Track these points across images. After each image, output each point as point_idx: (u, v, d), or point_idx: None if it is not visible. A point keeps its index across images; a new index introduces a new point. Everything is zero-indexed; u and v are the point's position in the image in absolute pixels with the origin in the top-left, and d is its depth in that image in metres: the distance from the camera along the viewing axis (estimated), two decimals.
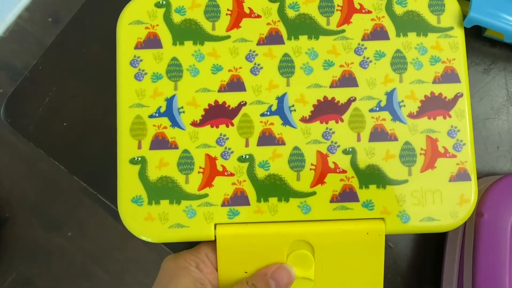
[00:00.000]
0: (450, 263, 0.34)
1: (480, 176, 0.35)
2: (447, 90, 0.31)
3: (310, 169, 0.30)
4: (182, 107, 0.31)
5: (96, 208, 0.98)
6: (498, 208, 0.30)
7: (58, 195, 0.96)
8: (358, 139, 0.31)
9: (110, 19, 0.36)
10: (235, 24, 0.31)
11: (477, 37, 0.37)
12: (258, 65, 0.31)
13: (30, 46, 0.98)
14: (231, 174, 0.30)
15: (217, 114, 0.31)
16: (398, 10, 0.32)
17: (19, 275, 0.96)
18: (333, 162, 0.30)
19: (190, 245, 0.32)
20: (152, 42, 0.31)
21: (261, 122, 0.31)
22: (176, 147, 0.31)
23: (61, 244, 1.01)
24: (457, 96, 0.31)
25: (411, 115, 0.31)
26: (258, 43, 0.31)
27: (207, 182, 0.30)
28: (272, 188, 0.30)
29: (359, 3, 0.32)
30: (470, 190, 0.30)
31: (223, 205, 0.30)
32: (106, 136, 0.37)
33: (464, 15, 0.32)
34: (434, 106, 0.31)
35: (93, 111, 0.38)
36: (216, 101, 0.31)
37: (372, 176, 0.30)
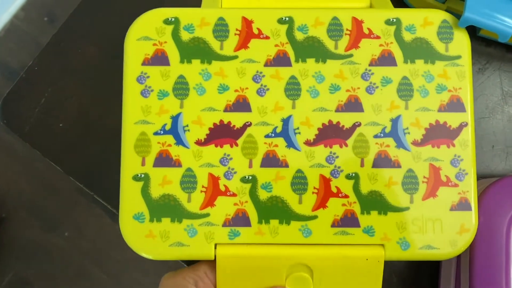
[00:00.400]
0: (447, 265, 0.34)
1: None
2: (452, 119, 0.31)
3: (313, 192, 0.30)
4: (187, 126, 0.31)
5: (93, 208, 0.98)
6: (494, 211, 0.31)
7: (55, 195, 0.96)
8: (362, 165, 0.31)
9: (106, 20, 0.36)
10: (243, 44, 0.31)
11: (472, 37, 0.37)
12: (265, 86, 0.31)
13: (26, 45, 0.98)
14: (234, 195, 0.30)
15: (222, 133, 0.31)
16: (407, 36, 0.32)
17: (16, 275, 0.96)
18: (336, 187, 0.30)
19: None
20: (159, 59, 0.31)
21: (265, 143, 0.31)
22: (179, 165, 0.31)
23: (58, 244, 1.00)
24: (462, 126, 0.31)
25: (415, 143, 0.31)
26: (266, 65, 0.31)
27: (209, 202, 0.30)
28: (274, 210, 0.30)
29: (368, 28, 0.32)
30: (470, 220, 0.30)
31: (224, 225, 0.30)
32: (103, 137, 0.37)
33: (458, 15, 0.32)
34: (438, 134, 0.31)
35: (90, 112, 0.38)
36: (221, 121, 0.31)
37: (374, 202, 0.30)
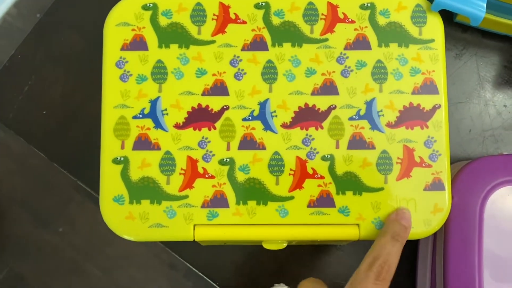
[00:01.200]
0: (424, 245, 0.36)
1: (452, 158, 0.36)
2: (426, 101, 0.32)
3: (289, 174, 0.31)
4: (165, 109, 0.31)
5: (87, 204, 0.98)
6: (467, 191, 0.32)
7: (48, 190, 0.96)
8: (337, 146, 0.31)
9: (88, 7, 0.37)
10: (220, 29, 0.32)
11: (449, 23, 0.37)
12: (242, 70, 0.32)
13: (19, 42, 0.98)
14: (212, 177, 0.31)
15: (200, 117, 0.31)
16: (381, 20, 0.32)
17: (10, 272, 0.96)
18: (312, 168, 0.31)
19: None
20: (138, 44, 0.32)
21: (242, 126, 0.31)
22: (158, 148, 0.31)
23: (52, 240, 1.01)
24: (435, 108, 0.31)
25: (389, 125, 0.31)
26: (243, 49, 0.32)
27: (188, 184, 0.31)
28: (251, 192, 0.31)
29: (343, 13, 0.32)
30: (444, 200, 0.31)
31: (202, 206, 0.31)
32: (85, 123, 0.38)
33: (431, 0, 0.32)
34: (412, 116, 0.31)
35: (72, 99, 0.38)
36: (199, 105, 0.31)
37: (349, 183, 0.31)
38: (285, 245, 0.31)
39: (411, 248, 0.37)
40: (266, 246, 0.32)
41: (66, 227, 1.10)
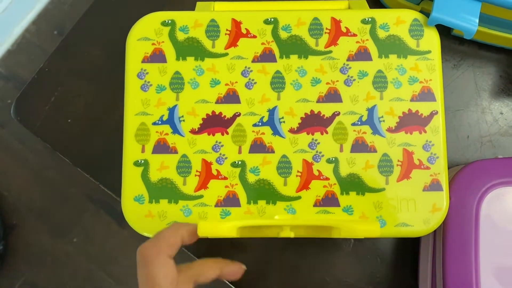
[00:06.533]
0: (426, 243, 0.37)
1: (451, 162, 0.38)
2: (424, 108, 0.34)
3: (296, 175, 0.33)
4: (182, 116, 0.34)
5: (101, 214, 1.01)
6: (464, 191, 0.33)
7: (64, 202, 0.99)
8: (341, 150, 0.34)
9: (109, 25, 0.40)
10: (233, 43, 0.35)
11: (447, 36, 0.40)
12: (252, 80, 0.34)
13: (37, 58, 1.02)
14: (225, 178, 0.33)
15: (214, 123, 0.34)
16: (381, 34, 0.35)
17: (26, 281, 0.99)
18: (317, 170, 0.33)
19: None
20: (157, 57, 0.35)
21: (253, 131, 0.34)
22: (175, 152, 0.34)
23: (67, 250, 1.03)
24: (433, 114, 0.34)
25: (389, 130, 0.34)
26: (253, 61, 0.35)
27: (203, 185, 0.33)
28: (261, 192, 0.33)
29: (345, 27, 0.35)
30: (442, 200, 0.33)
31: (216, 205, 0.33)
32: (107, 131, 0.41)
33: (428, 15, 0.35)
34: (411, 122, 0.34)
35: (95, 109, 0.41)
36: (213, 112, 0.34)
37: (353, 184, 0.33)
38: (293, 234, 0.33)
39: (414, 245, 0.39)
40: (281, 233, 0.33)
41: (80, 237, 1.12)
